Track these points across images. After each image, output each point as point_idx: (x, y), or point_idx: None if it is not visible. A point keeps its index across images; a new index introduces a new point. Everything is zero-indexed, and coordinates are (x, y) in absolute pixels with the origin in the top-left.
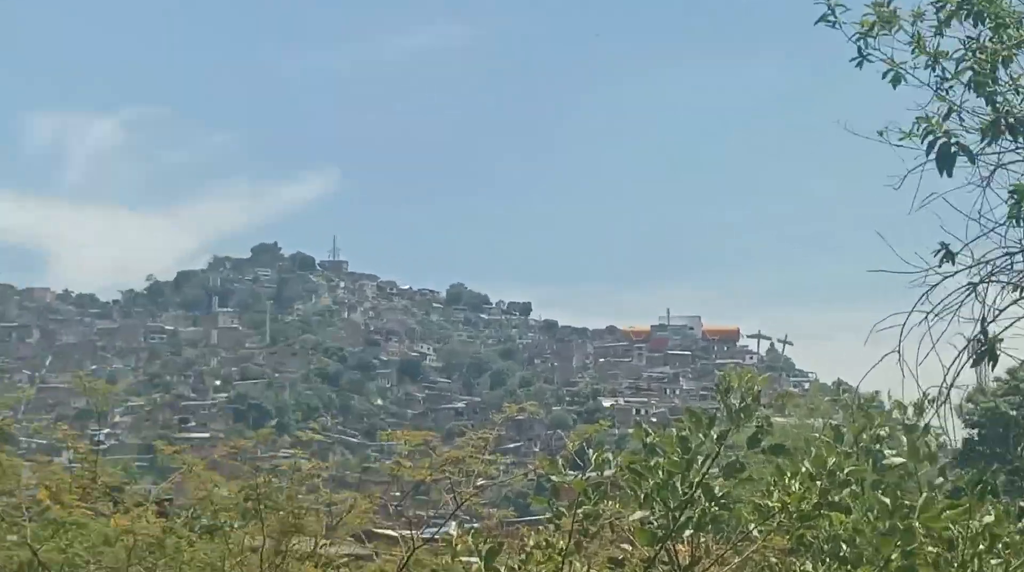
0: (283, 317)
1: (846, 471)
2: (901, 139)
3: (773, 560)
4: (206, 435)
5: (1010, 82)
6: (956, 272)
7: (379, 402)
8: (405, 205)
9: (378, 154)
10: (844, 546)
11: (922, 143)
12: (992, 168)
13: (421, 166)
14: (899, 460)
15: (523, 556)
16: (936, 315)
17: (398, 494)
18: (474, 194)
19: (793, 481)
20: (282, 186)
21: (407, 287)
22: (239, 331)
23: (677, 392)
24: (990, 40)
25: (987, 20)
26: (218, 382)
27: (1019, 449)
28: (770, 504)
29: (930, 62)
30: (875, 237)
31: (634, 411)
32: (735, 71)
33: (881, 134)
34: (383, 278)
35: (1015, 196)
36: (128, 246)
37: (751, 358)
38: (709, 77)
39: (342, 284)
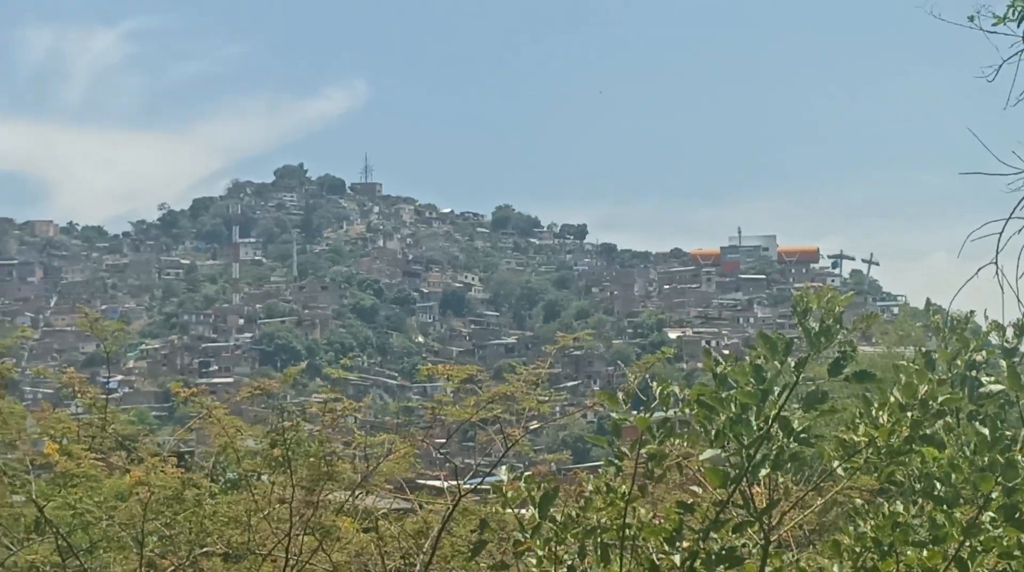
0: (311, 247)
1: (939, 401)
2: (995, 24)
3: (859, 502)
4: (230, 380)
5: None
6: None
7: (420, 339)
8: (443, 119)
9: (410, 62)
10: (938, 484)
11: (1019, 27)
12: None
13: (459, 74)
14: (998, 387)
15: (582, 503)
16: None
17: (443, 442)
18: (520, 105)
19: (881, 413)
20: (306, 101)
21: (448, 210)
22: (263, 264)
23: (751, 321)
24: None
25: None
26: (241, 321)
27: None
28: (855, 439)
29: None
30: (968, 140)
31: (703, 343)
32: None
33: (972, 19)
34: (422, 201)
35: None
36: (137, 172)
37: (833, 281)
38: None
39: (376, 209)
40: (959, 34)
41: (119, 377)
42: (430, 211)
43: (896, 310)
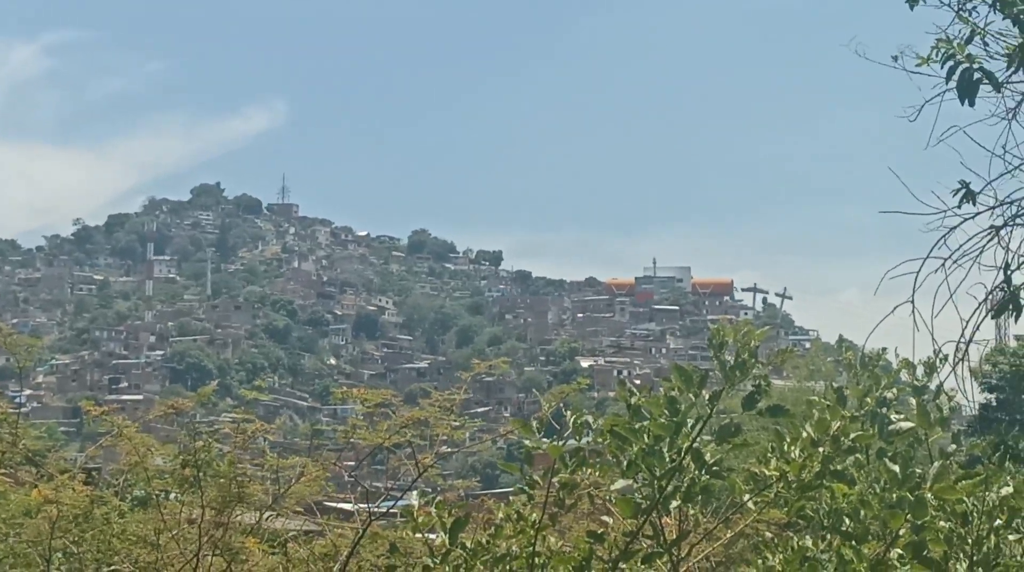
0: (226, 266)
1: (851, 437)
2: (918, 64)
3: (769, 535)
4: (140, 397)
5: None
6: (977, 214)
7: (332, 361)
8: (361, 142)
9: (329, 84)
10: (847, 520)
11: (941, 68)
12: (1019, 98)
13: (378, 98)
14: (908, 425)
15: (492, 530)
16: (954, 262)
17: (352, 464)
18: (439, 130)
19: (792, 447)
20: (224, 120)
21: (364, 233)
22: (177, 282)
23: (663, 351)
24: None
25: None
26: (153, 338)
27: None
28: (767, 473)
29: None
30: (887, 176)
31: (616, 372)
32: None
33: (896, 59)
34: (338, 223)
35: None
36: (53, 186)
37: (746, 314)
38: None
39: (292, 230)
40: (883, 74)
41: (28, 392)
42: (346, 233)
43: (808, 344)
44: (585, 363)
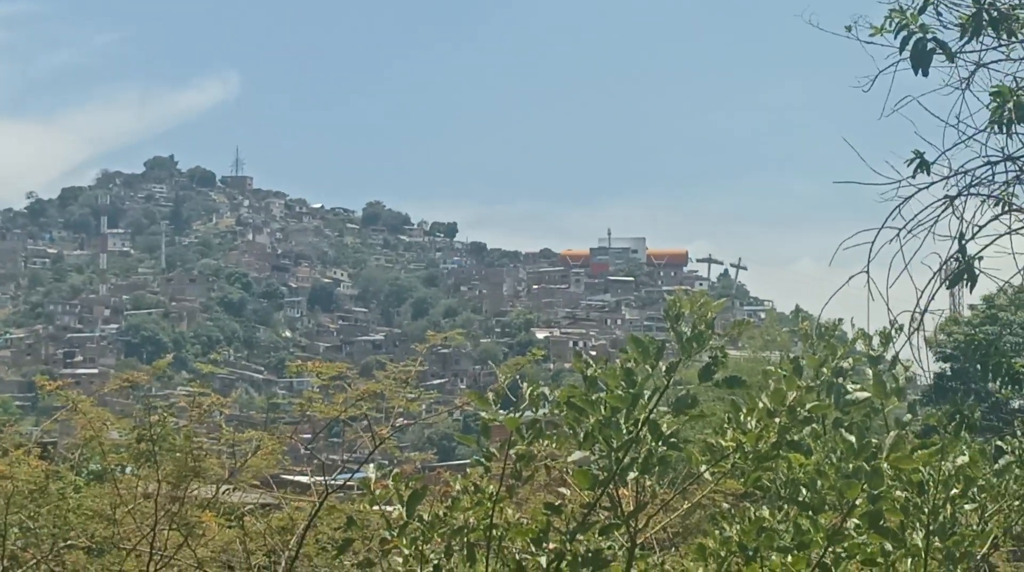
0: (180, 239)
1: (807, 407)
2: (872, 35)
3: (726, 506)
4: (95, 370)
5: None
6: (931, 184)
7: (287, 334)
8: (315, 114)
9: (282, 56)
10: (804, 490)
11: (895, 39)
12: (972, 68)
13: (331, 69)
14: (864, 395)
15: (449, 502)
16: (909, 232)
17: (308, 436)
18: (392, 100)
19: (749, 418)
20: (177, 92)
21: (318, 206)
22: (131, 255)
23: (619, 322)
24: None
25: None
26: (108, 312)
27: (996, 383)
28: (723, 444)
29: None
30: (842, 147)
31: (571, 343)
32: None
33: (849, 29)
34: (292, 196)
35: (997, 99)
36: (4, 160)
37: (701, 285)
38: None
39: (246, 202)
40: (836, 44)
41: None
42: (300, 206)
43: (763, 315)
44: (541, 334)
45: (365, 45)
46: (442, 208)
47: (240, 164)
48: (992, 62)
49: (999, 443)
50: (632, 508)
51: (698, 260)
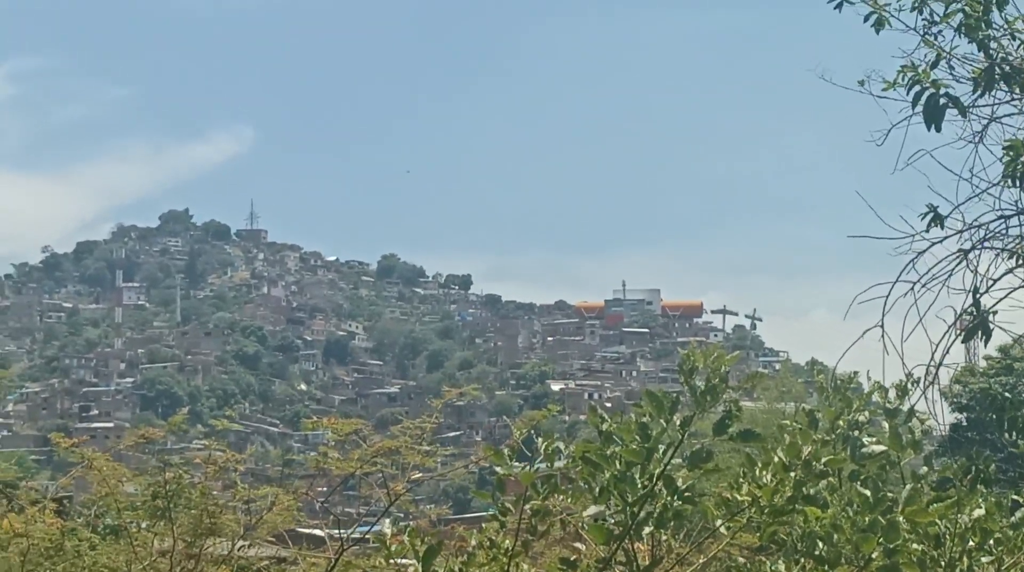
0: (195, 293)
1: (822, 461)
2: (884, 89)
3: (742, 560)
4: (110, 424)
5: (1005, 26)
6: (945, 238)
7: (303, 387)
8: (328, 166)
9: (296, 108)
10: (820, 544)
11: (908, 94)
12: (985, 122)
13: (344, 121)
14: (880, 448)
15: (464, 557)
16: (923, 286)
17: (324, 489)
18: (407, 154)
19: (764, 472)
20: (190, 146)
21: (333, 258)
22: (146, 309)
23: (634, 374)
24: None
25: None
26: (123, 366)
27: (1012, 435)
28: (739, 498)
29: (917, 4)
30: (855, 199)
31: (586, 395)
32: (704, 13)
33: (862, 84)
34: (307, 249)
35: (1010, 153)
36: (19, 213)
37: (716, 336)
38: (671, 19)
39: (261, 255)
40: (849, 97)
41: None
42: (315, 259)
43: (777, 366)
44: (556, 386)
45: (378, 97)
46: (456, 260)
47: (255, 217)
48: (1005, 116)
49: (1015, 496)
50: (648, 563)
51: (713, 311)
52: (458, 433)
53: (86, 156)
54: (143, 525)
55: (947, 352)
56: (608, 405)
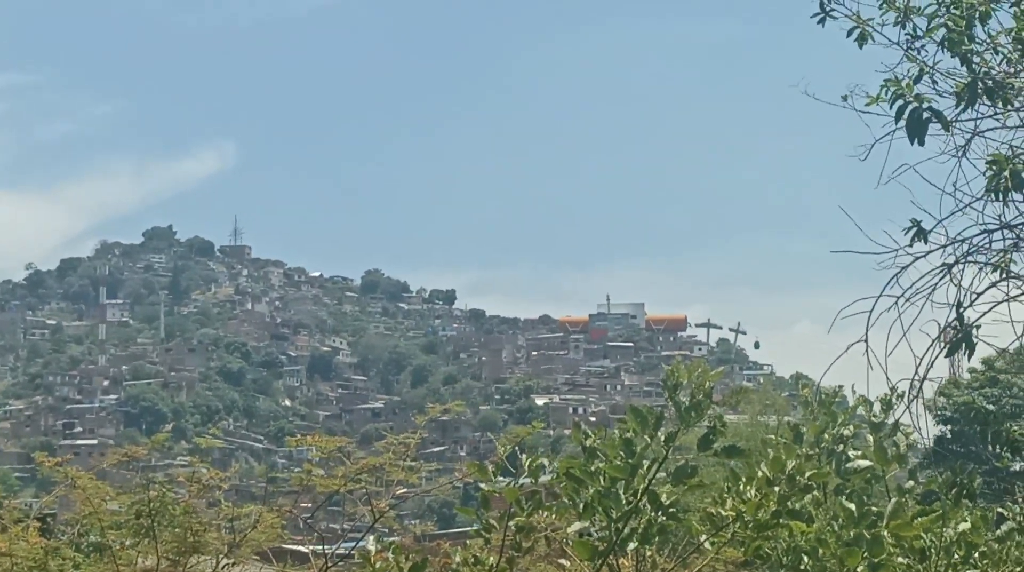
0: (179, 309)
1: (807, 475)
2: (868, 104)
3: None
4: (94, 441)
5: (988, 40)
6: (929, 252)
7: (287, 403)
8: (312, 182)
9: (279, 125)
10: (805, 558)
11: (891, 108)
12: (968, 136)
13: (328, 137)
14: (865, 462)
15: None
16: (907, 300)
17: (308, 506)
18: (390, 169)
19: (748, 487)
20: (174, 162)
21: (317, 274)
22: (130, 325)
23: (618, 388)
24: None
25: None
26: (107, 382)
27: (997, 447)
28: (723, 513)
29: (900, 18)
30: (838, 214)
31: (571, 410)
32: (684, 27)
33: (845, 99)
34: (290, 265)
35: (994, 167)
36: (2, 230)
37: (700, 349)
38: (657, 34)
39: (245, 271)
40: (832, 112)
41: None
42: (299, 274)
43: (761, 380)
44: (540, 401)
45: (361, 112)
46: (440, 275)
47: (239, 233)
48: (988, 130)
49: (1000, 509)
50: None
51: (697, 325)
52: (443, 448)
53: (70, 172)
54: (127, 543)
55: (931, 366)
56: (593, 419)
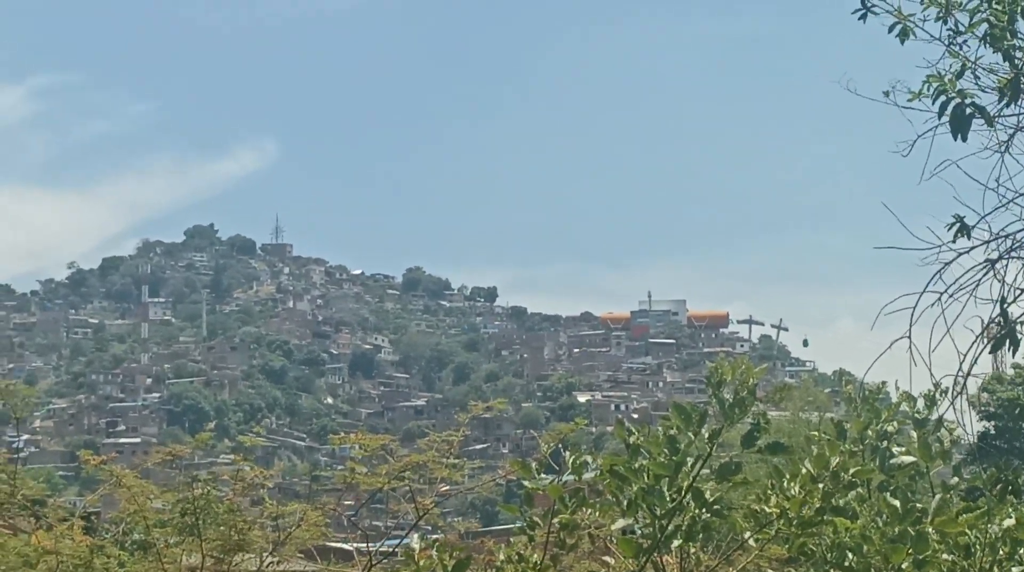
0: (221, 307)
1: (851, 472)
2: (910, 100)
3: None
4: (137, 440)
5: None
6: (972, 248)
7: (329, 401)
8: (354, 180)
9: (320, 123)
10: (850, 555)
11: (933, 104)
12: (1011, 131)
13: (369, 136)
14: (909, 458)
15: (493, 571)
16: (950, 296)
17: (352, 504)
18: (431, 166)
19: (792, 484)
20: (215, 160)
21: (359, 272)
22: (172, 324)
23: (660, 385)
24: None
25: None
26: (149, 381)
27: None
28: (767, 510)
29: (941, 13)
30: (881, 210)
31: (613, 407)
32: (724, 23)
33: (887, 94)
34: (332, 262)
35: None
36: (44, 230)
37: (742, 346)
38: (695, 29)
39: (286, 269)
40: (874, 107)
41: (25, 436)
42: (340, 272)
43: (803, 376)
44: (582, 398)
45: (401, 109)
46: (482, 273)
47: (280, 231)
48: None
49: None
50: None
51: (739, 321)
52: (485, 445)
53: (110, 172)
54: (171, 541)
55: (975, 362)
56: (635, 416)
